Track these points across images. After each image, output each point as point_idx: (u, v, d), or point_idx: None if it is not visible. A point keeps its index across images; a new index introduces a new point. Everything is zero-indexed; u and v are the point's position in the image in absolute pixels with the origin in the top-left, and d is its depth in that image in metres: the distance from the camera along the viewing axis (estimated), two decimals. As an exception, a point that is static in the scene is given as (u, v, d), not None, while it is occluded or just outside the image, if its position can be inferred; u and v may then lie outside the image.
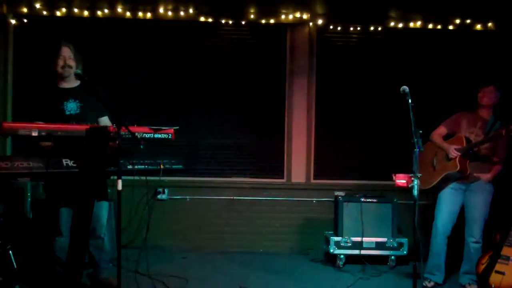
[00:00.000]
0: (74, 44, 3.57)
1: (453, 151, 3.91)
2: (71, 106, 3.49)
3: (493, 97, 3.97)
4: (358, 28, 5.33)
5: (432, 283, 4.04)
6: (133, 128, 2.94)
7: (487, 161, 3.97)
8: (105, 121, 3.59)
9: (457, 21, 5.29)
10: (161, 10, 5.12)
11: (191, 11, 5.16)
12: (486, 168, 3.97)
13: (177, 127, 3.22)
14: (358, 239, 4.62)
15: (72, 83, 3.55)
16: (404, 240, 4.65)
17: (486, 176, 3.96)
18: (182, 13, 5.16)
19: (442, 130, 4.15)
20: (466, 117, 4.07)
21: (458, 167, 3.87)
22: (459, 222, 4.06)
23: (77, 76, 3.31)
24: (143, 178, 3.01)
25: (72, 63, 3.50)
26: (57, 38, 4.85)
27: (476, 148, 3.91)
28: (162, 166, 3.16)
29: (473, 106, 4.08)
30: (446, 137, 4.13)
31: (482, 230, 3.94)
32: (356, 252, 4.61)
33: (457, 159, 3.89)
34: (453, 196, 4.03)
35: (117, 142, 2.80)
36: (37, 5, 5.05)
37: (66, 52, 3.50)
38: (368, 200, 4.73)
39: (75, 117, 3.42)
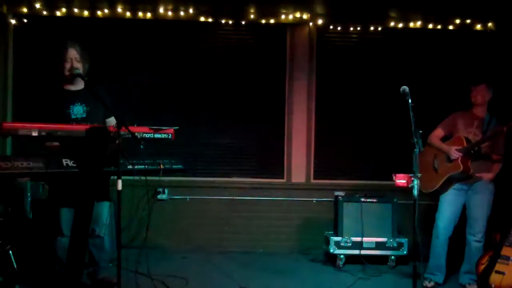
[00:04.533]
0: (80, 44, 3.51)
1: (455, 152, 3.92)
2: (78, 110, 3.46)
3: (485, 95, 3.99)
4: (358, 28, 5.32)
5: (432, 283, 4.04)
6: (133, 128, 2.94)
7: (488, 159, 3.98)
8: (111, 121, 3.53)
9: (457, 21, 5.29)
10: (161, 10, 5.12)
11: (191, 11, 5.16)
12: (487, 167, 3.98)
13: (177, 127, 3.21)
14: (358, 239, 4.62)
15: (78, 85, 3.51)
16: (404, 240, 4.65)
17: (488, 176, 3.96)
18: (182, 13, 5.16)
19: (439, 132, 4.16)
20: (462, 118, 4.08)
21: (461, 168, 3.87)
22: (460, 222, 4.06)
23: (76, 75, 3.31)
24: (143, 178, 3.01)
25: (78, 64, 3.43)
26: (57, 38, 4.87)
27: (476, 147, 3.92)
28: (162, 166, 3.16)
29: (468, 105, 4.09)
30: (444, 139, 4.14)
31: (484, 229, 3.95)
32: (356, 252, 4.61)
33: (459, 159, 3.89)
34: (454, 197, 4.03)
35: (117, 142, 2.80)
36: (37, 5, 5.04)
37: (73, 54, 3.43)
38: (368, 200, 4.73)
39: (81, 121, 3.38)
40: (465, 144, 3.91)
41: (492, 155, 3.97)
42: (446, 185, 4.05)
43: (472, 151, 3.91)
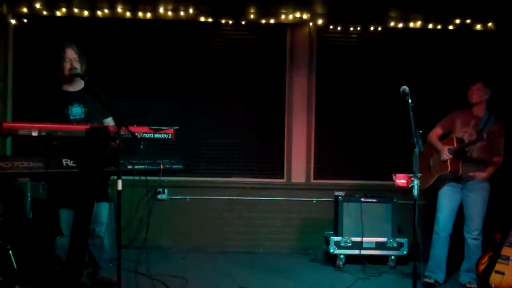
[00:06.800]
0: (76, 44, 3.52)
1: (446, 153, 3.95)
2: (76, 111, 3.45)
3: (482, 94, 4.01)
4: (358, 28, 5.32)
5: (432, 280, 4.05)
6: (133, 128, 2.94)
7: (481, 162, 3.98)
8: (109, 122, 3.54)
9: (457, 21, 5.29)
10: (161, 10, 5.12)
11: (191, 11, 5.16)
12: (480, 169, 3.99)
13: (177, 127, 3.21)
14: (358, 239, 4.62)
15: (76, 86, 3.51)
16: (404, 240, 4.65)
17: (482, 175, 3.97)
18: (182, 13, 5.16)
19: (438, 130, 4.18)
20: (460, 116, 4.10)
21: (449, 168, 3.91)
22: (460, 220, 4.07)
23: (76, 75, 3.31)
24: (143, 178, 3.01)
25: (77, 65, 3.42)
26: (57, 38, 4.88)
27: (468, 149, 3.93)
28: (162, 166, 3.16)
29: (467, 105, 4.10)
30: (443, 137, 4.15)
31: (481, 227, 3.97)
32: (356, 252, 4.61)
33: (449, 160, 3.92)
34: (452, 193, 4.06)
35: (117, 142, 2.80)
36: (37, 5, 5.04)
37: (71, 54, 3.43)
38: (368, 200, 4.73)
39: (80, 122, 3.37)
40: (455, 144, 3.94)
41: (488, 157, 3.97)
42: (439, 183, 4.09)
43: (462, 152, 3.93)
